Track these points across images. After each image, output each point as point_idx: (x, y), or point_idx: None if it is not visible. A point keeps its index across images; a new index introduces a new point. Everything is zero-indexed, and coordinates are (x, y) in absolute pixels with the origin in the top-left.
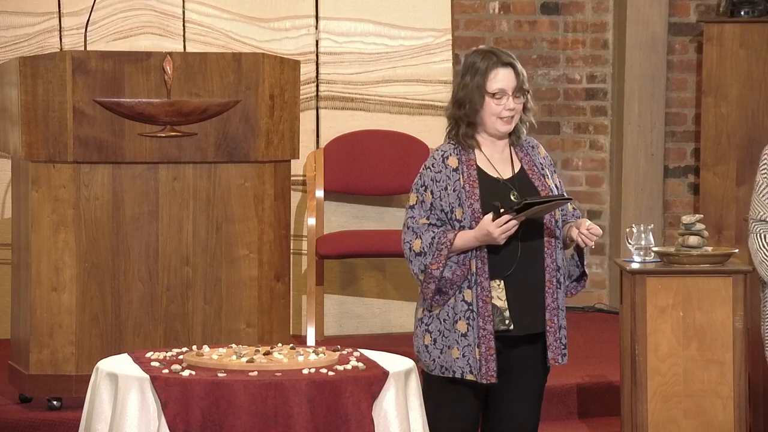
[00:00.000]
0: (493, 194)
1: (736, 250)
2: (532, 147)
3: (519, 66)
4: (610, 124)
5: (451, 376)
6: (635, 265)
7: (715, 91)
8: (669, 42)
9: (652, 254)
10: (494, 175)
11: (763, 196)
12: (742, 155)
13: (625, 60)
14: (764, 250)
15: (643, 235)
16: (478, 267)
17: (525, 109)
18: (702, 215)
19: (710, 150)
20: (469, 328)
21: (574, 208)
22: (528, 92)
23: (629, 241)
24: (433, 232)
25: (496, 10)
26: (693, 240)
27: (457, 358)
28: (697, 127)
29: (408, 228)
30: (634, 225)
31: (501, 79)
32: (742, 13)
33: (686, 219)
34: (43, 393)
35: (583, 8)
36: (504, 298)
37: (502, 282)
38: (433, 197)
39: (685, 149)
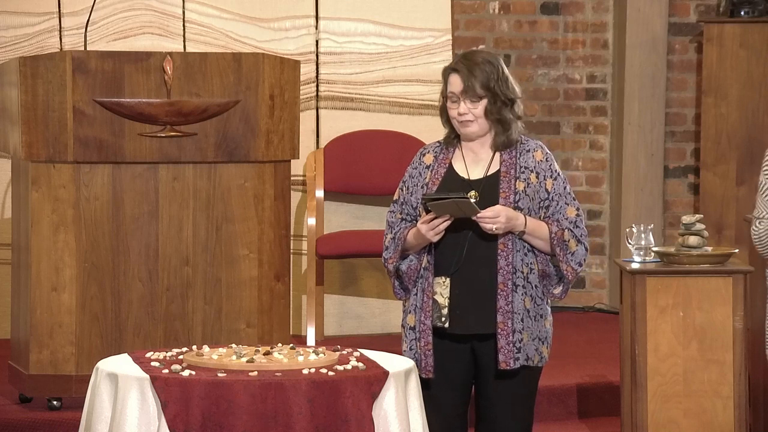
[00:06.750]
0: (451, 193)
1: (736, 250)
2: (527, 150)
3: (468, 71)
4: (610, 124)
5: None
6: (635, 265)
7: (715, 91)
8: (669, 42)
9: (652, 254)
10: (463, 174)
11: (766, 195)
12: (742, 155)
13: (625, 60)
14: (762, 233)
15: (643, 235)
16: (428, 262)
17: (498, 114)
18: (702, 215)
19: (710, 150)
20: (415, 322)
21: (578, 215)
22: (500, 98)
23: (629, 241)
24: (399, 227)
25: (496, 10)
26: (693, 240)
27: (405, 351)
28: (697, 127)
29: (386, 222)
30: (634, 225)
31: (451, 83)
32: (742, 13)
33: (686, 219)
34: (43, 393)
35: (583, 8)
36: (447, 295)
37: (448, 279)
38: (407, 193)
39: (685, 149)
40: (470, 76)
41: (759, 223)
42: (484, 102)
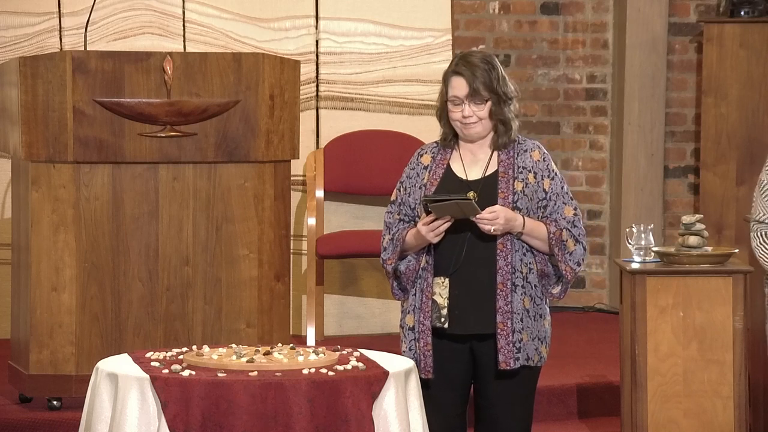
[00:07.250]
0: (451, 193)
1: (736, 250)
2: (525, 150)
3: (472, 73)
4: (610, 124)
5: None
6: (635, 265)
7: (715, 91)
8: (669, 42)
9: (652, 254)
10: (461, 175)
11: (765, 196)
12: (742, 155)
13: (625, 60)
14: (763, 246)
15: (643, 235)
16: (427, 263)
17: (501, 115)
18: (702, 215)
19: (710, 150)
20: (415, 323)
21: (575, 214)
22: (503, 98)
23: (629, 241)
24: (397, 228)
25: (496, 10)
26: (693, 240)
27: (404, 351)
28: (697, 127)
29: (384, 223)
30: (634, 225)
31: (454, 86)
32: (742, 13)
33: (686, 219)
34: (43, 393)
35: (583, 8)
36: (446, 295)
37: (447, 280)
38: (404, 193)
39: (685, 149)
40: (474, 78)
41: (759, 233)
42: (489, 104)
